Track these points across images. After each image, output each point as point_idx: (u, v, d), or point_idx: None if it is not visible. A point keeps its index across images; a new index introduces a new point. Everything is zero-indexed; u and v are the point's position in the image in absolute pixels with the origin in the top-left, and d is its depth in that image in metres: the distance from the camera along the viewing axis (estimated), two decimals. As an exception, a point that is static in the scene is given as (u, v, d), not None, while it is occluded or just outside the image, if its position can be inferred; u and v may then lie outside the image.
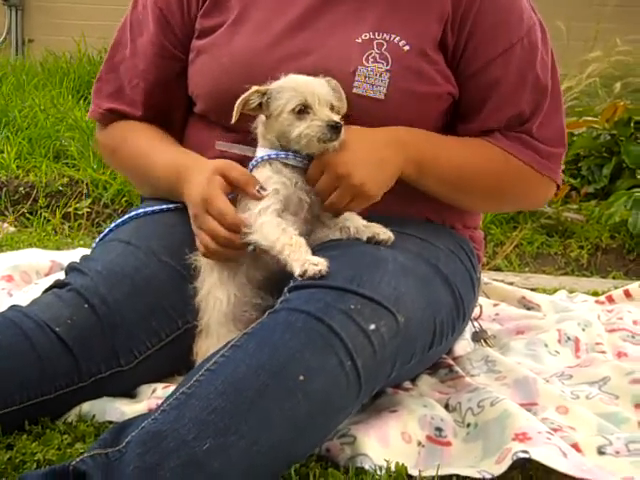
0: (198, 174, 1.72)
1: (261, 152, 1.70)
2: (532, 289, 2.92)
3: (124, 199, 3.96)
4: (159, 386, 1.72)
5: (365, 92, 1.73)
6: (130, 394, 1.74)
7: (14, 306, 1.72)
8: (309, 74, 1.66)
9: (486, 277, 2.95)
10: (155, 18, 1.92)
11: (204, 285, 1.70)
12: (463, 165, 1.82)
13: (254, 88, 1.64)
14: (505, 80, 1.82)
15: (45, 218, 3.80)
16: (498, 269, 3.53)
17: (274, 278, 1.64)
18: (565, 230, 3.91)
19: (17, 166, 4.24)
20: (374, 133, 1.71)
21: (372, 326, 1.47)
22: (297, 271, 1.51)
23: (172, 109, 1.98)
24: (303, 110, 1.62)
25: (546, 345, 2.13)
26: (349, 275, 1.52)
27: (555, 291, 2.88)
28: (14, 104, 4.96)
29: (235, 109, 1.63)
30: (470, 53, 1.79)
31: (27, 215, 3.91)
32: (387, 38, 1.75)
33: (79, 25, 6.97)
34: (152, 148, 1.91)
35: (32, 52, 7.52)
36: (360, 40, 1.76)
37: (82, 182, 4.08)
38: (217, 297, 1.67)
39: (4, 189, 4.07)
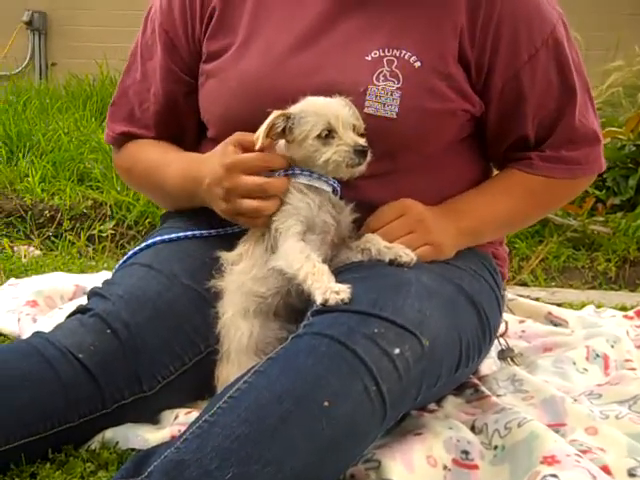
0: (209, 159, 1.74)
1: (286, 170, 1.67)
2: (559, 304, 2.89)
3: (147, 220, 3.97)
4: (181, 412, 1.71)
5: (377, 112, 1.70)
6: (153, 420, 1.73)
7: (37, 333, 1.73)
8: (319, 94, 1.65)
9: (512, 293, 2.92)
10: (162, 42, 1.93)
11: (226, 311, 1.69)
12: (510, 211, 1.87)
13: (278, 112, 1.61)
14: (533, 88, 1.80)
15: (70, 241, 3.82)
16: (524, 284, 3.49)
17: (302, 309, 1.60)
18: (592, 243, 3.86)
19: (42, 190, 4.26)
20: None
21: (397, 350, 1.45)
22: (319, 300, 1.49)
23: (184, 130, 1.99)
24: (328, 135, 1.60)
25: (574, 363, 2.10)
26: (372, 299, 1.50)
27: (582, 306, 2.85)
28: (38, 128, 5.01)
29: (261, 134, 1.61)
30: (496, 69, 1.77)
31: (52, 238, 3.94)
32: (397, 54, 1.73)
33: (101, 47, 7.04)
34: (163, 160, 1.92)
35: (55, 75, 7.62)
36: (370, 58, 1.73)
37: (106, 204, 4.10)
38: (239, 328, 1.65)
39: (29, 213, 4.10)
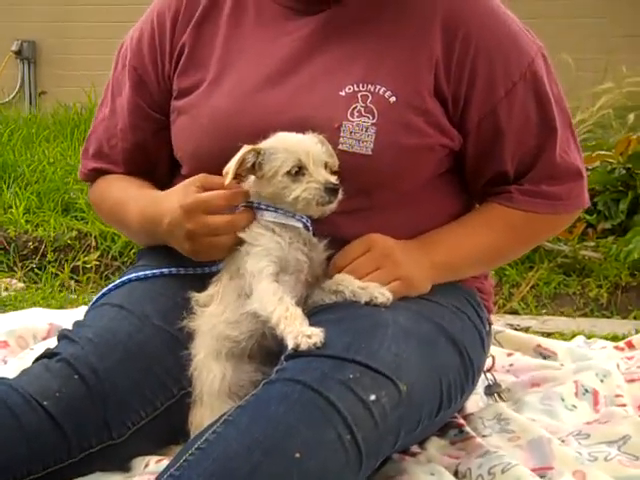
0: (169, 199, 1.70)
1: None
2: (549, 333, 2.85)
3: (132, 251, 3.92)
4: (152, 459, 1.64)
5: (351, 148, 1.65)
6: (123, 467, 1.66)
7: (1, 379, 1.66)
8: (293, 130, 1.61)
9: (501, 322, 2.88)
10: (131, 78, 1.90)
11: (198, 353, 1.63)
12: (489, 245, 1.81)
13: (248, 147, 1.57)
14: (511, 123, 1.75)
15: (53, 273, 3.76)
16: (514, 312, 3.44)
17: (278, 352, 1.54)
18: (583, 269, 3.81)
19: (26, 221, 4.23)
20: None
21: (372, 396, 1.40)
22: (291, 344, 1.44)
23: (154, 166, 1.95)
24: (298, 172, 1.55)
25: (563, 399, 2.03)
26: (346, 342, 1.45)
27: (573, 335, 2.80)
28: (24, 158, 4.99)
29: (231, 169, 1.56)
30: (473, 103, 1.72)
31: (36, 270, 3.89)
32: (372, 89, 1.68)
33: (89, 76, 7.02)
34: (125, 197, 1.88)
35: (44, 104, 7.59)
36: (344, 93, 1.68)
37: (90, 235, 4.07)
38: (211, 371, 1.60)
39: (12, 244, 4.06)
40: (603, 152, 4.39)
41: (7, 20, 7.88)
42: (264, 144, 1.59)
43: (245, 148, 1.57)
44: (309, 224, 1.61)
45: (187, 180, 1.68)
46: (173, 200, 1.67)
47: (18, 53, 7.89)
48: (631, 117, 5.25)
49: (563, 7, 6.52)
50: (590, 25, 6.48)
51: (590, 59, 5.85)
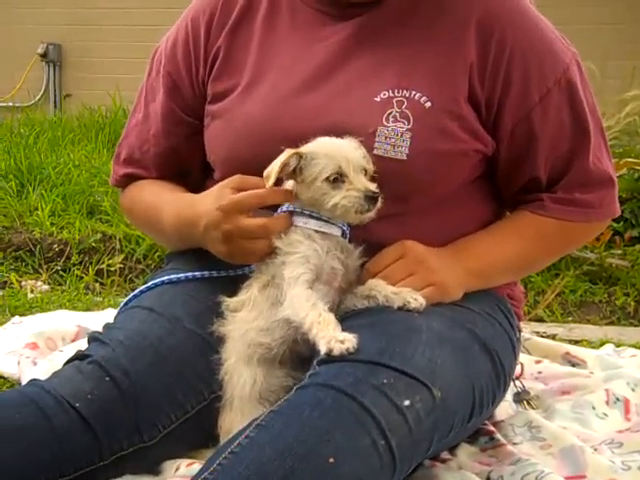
0: (204, 201, 1.70)
1: (284, 207, 1.63)
2: (576, 341, 2.81)
3: (157, 254, 3.93)
4: (183, 463, 1.64)
5: (386, 153, 1.64)
6: (153, 470, 1.66)
7: (33, 381, 1.67)
8: (327, 136, 1.60)
9: (528, 329, 2.85)
10: (165, 84, 1.90)
11: (229, 358, 1.63)
12: (521, 253, 1.79)
13: (291, 150, 1.56)
14: (545, 129, 1.73)
15: (78, 276, 3.77)
16: (540, 319, 3.40)
17: (309, 357, 1.53)
18: (609, 277, 3.76)
19: (51, 223, 4.24)
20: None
21: (406, 402, 1.39)
22: (323, 349, 1.43)
23: (187, 171, 1.95)
24: (338, 178, 1.54)
25: (593, 407, 2.01)
26: (380, 347, 1.45)
27: (601, 343, 2.77)
28: (49, 160, 5.00)
29: (274, 172, 1.55)
30: (506, 108, 1.71)
31: (60, 272, 3.90)
32: (407, 95, 1.67)
33: (114, 79, 7.08)
34: (159, 202, 1.88)
35: (69, 107, 7.65)
36: (379, 99, 1.68)
37: (115, 238, 4.07)
38: (242, 376, 1.59)
39: (38, 246, 4.07)
40: (630, 159, 4.34)
41: (33, 23, 7.96)
42: (305, 148, 1.58)
43: (288, 151, 1.56)
44: (348, 231, 1.61)
45: (222, 182, 1.68)
46: (209, 202, 1.66)
47: (44, 56, 7.96)
48: (658, 124, 5.21)
49: (588, 14, 6.49)
50: (616, 31, 6.45)
51: (616, 65, 5.81)
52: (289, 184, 1.62)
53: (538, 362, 2.38)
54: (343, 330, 1.47)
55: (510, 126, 1.73)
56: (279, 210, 1.63)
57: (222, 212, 1.62)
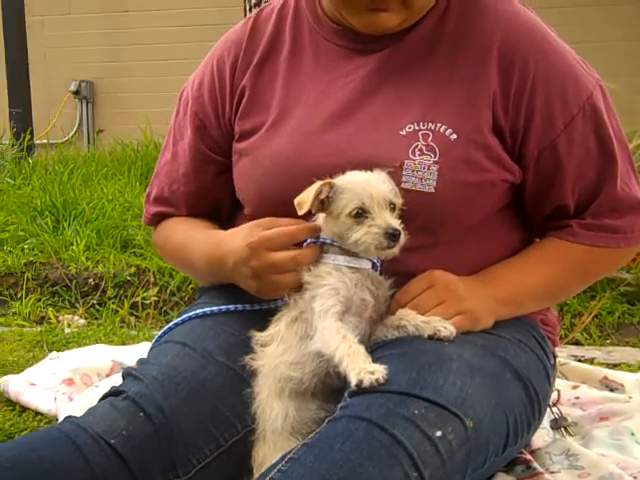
0: (233, 239, 1.72)
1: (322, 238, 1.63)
2: (615, 365, 2.77)
3: (190, 286, 3.95)
4: (218, 498, 1.64)
5: (414, 186, 1.65)
6: (190, 505, 1.66)
7: (69, 418, 1.68)
8: (355, 169, 1.61)
9: (564, 353, 2.82)
10: (192, 123, 1.93)
11: (261, 392, 1.63)
12: (551, 281, 1.79)
13: (322, 181, 1.57)
14: (571, 156, 1.73)
15: (113, 310, 3.81)
16: (577, 342, 3.37)
17: (341, 389, 1.53)
18: (647, 297, 3.72)
19: (86, 258, 4.30)
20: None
21: (438, 433, 1.38)
22: (354, 381, 1.43)
23: (217, 208, 1.98)
24: (361, 214, 1.55)
25: (632, 433, 1.99)
26: (411, 377, 1.44)
27: (640, 366, 2.72)
28: (83, 196, 5.08)
29: (308, 200, 1.56)
30: (531, 136, 1.71)
31: (97, 306, 3.95)
32: (432, 128, 1.68)
33: (145, 112, 7.18)
34: (189, 239, 1.91)
35: (102, 142, 7.76)
36: (404, 132, 1.69)
37: (149, 271, 4.11)
38: (274, 409, 1.60)
39: (74, 281, 4.13)
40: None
41: (65, 61, 8.12)
42: (336, 180, 1.59)
43: (319, 182, 1.57)
44: (379, 264, 1.62)
45: (253, 221, 1.70)
46: (238, 240, 1.68)
47: (76, 93, 8.11)
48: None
49: (621, 30, 6.46)
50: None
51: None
52: (320, 217, 1.63)
53: (575, 387, 2.36)
54: (373, 361, 1.47)
55: (536, 154, 1.73)
56: (307, 241, 1.64)
57: (251, 249, 1.64)
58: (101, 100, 8.20)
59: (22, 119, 7.30)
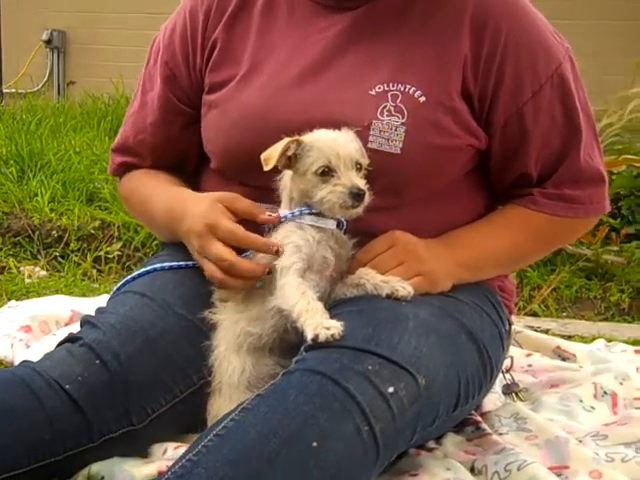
0: (195, 205, 1.71)
1: (283, 212, 1.64)
2: (569, 336, 2.82)
3: (154, 242, 3.94)
4: (170, 446, 1.66)
5: (380, 147, 1.66)
6: (142, 453, 1.68)
7: (24, 362, 1.68)
8: (323, 127, 1.61)
9: (522, 323, 2.87)
10: (162, 71, 1.92)
11: (219, 345, 1.64)
12: (511, 247, 1.81)
13: (290, 138, 1.57)
14: (537, 125, 1.75)
15: (76, 262, 3.79)
16: (535, 314, 3.42)
17: (298, 345, 1.54)
18: (605, 273, 3.78)
19: (50, 209, 4.25)
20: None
21: (391, 389, 1.40)
22: (310, 335, 1.44)
23: (183, 161, 1.97)
24: (327, 172, 1.56)
25: (581, 400, 2.03)
26: (367, 334, 1.46)
27: (593, 339, 2.77)
28: (50, 147, 5.01)
29: (274, 156, 1.56)
30: (499, 102, 1.72)
31: (59, 259, 3.92)
32: (402, 89, 1.68)
33: (118, 66, 7.07)
34: (155, 191, 1.90)
35: (72, 94, 7.65)
36: (374, 92, 1.69)
37: (114, 225, 4.08)
38: (231, 363, 1.61)
39: (37, 232, 4.09)
40: (629, 156, 4.35)
41: (37, 9, 7.96)
42: (305, 137, 1.59)
43: (287, 139, 1.57)
44: (344, 221, 1.63)
45: (216, 195, 1.71)
46: (199, 210, 1.69)
47: (48, 42, 7.96)
48: (661, 122, 5.20)
49: (590, 9, 6.48)
50: (619, 27, 6.43)
51: (619, 62, 5.80)
52: (287, 174, 1.63)
53: (528, 355, 2.40)
54: (331, 317, 1.49)
55: (502, 121, 1.74)
56: (280, 214, 1.64)
57: (204, 226, 1.65)
58: (73, 51, 8.06)
59: (-10, 66, 7.17)
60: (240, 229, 1.63)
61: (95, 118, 6.17)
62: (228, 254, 1.62)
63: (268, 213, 1.64)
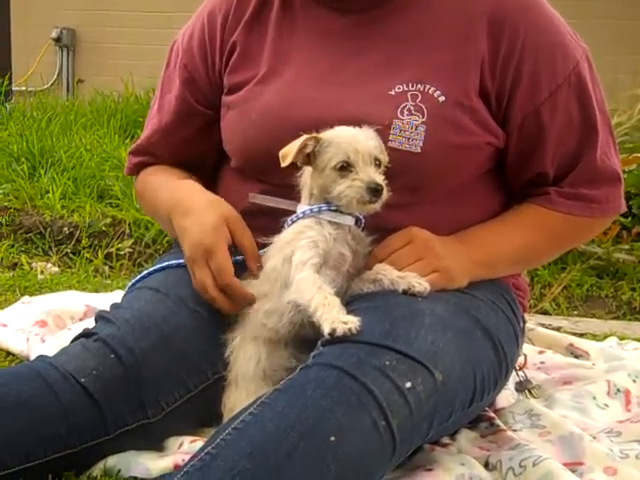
0: (202, 211, 1.73)
1: (302, 208, 1.65)
2: (581, 334, 2.82)
3: (165, 239, 3.94)
4: (186, 440, 1.67)
5: (401, 146, 1.67)
6: (158, 446, 1.69)
7: (41, 356, 1.70)
8: (344, 125, 1.62)
9: (532, 321, 2.86)
10: (181, 74, 1.94)
11: (235, 337, 1.65)
12: (526, 245, 1.81)
13: (308, 135, 1.58)
14: (554, 124, 1.75)
15: (87, 259, 3.80)
16: (545, 312, 3.41)
17: (314, 339, 1.54)
18: (616, 271, 3.77)
19: (62, 206, 4.26)
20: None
21: (408, 384, 1.41)
22: (327, 330, 1.45)
23: (200, 160, 1.98)
24: (345, 167, 1.56)
25: (594, 397, 2.03)
26: (384, 329, 1.46)
27: (605, 337, 2.77)
28: (61, 144, 5.02)
29: (291, 152, 1.57)
30: (516, 101, 1.73)
31: (70, 255, 3.93)
32: (421, 89, 1.69)
33: (128, 65, 7.09)
34: (163, 180, 1.92)
35: (82, 92, 7.66)
36: (394, 92, 1.70)
37: (125, 222, 4.09)
38: (247, 352, 1.62)
39: (48, 229, 4.10)
40: (640, 155, 4.34)
41: (47, 8, 7.97)
42: (323, 134, 1.60)
43: (305, 135, 1.58)
44: (362, 218, 1.64)
45: (227, 212, 1.73)
46: (203, 219, 1.71)
47: (57, 40, 7.97)
48: (671, 121, 5.18)
49: (600, 8, 6.47)
50: (628, 26, 6.42)
51: (630, 60, 5.80)
52: (306, 171, 1.64)
53: (541, 352, 2.40)
54: (348, 313, 1.49)
55: (519, 120, 1.74)
56: (298, 211, 1.65)
57: (202, 247, 1.68)
58: (83, 49, 8.08)
59: (1, 64, 7.17)
60: (230, 270, 1.66)
61: (105, 116, 6.18)
62: (211, 288, 1.67)
63: (258, 266, 1.68)
